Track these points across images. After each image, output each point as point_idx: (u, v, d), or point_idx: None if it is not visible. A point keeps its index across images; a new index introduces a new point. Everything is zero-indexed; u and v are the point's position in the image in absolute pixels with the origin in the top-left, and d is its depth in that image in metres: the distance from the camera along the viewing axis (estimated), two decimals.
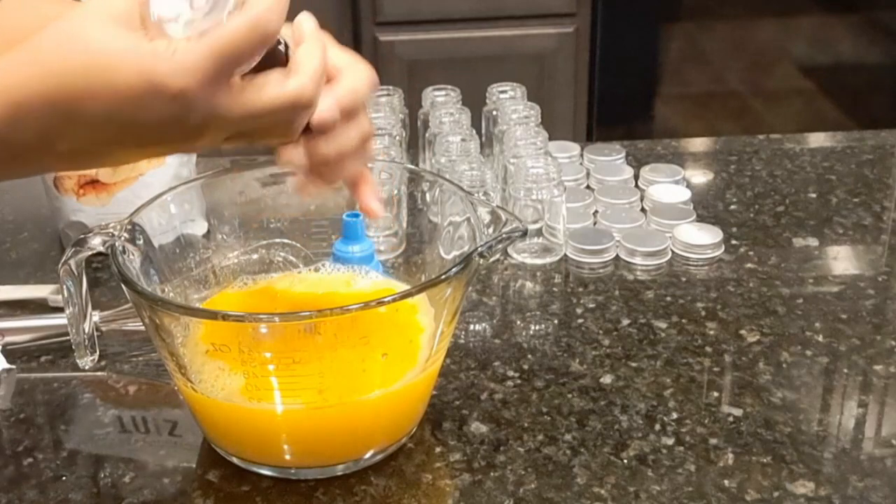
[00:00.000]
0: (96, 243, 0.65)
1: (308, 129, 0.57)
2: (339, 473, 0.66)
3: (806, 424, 0.71)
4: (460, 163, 0.93)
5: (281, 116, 0.54)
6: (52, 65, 0.50)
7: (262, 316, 0.63)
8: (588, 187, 1.02)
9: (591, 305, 0.85)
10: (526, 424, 0.71)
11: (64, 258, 0.66)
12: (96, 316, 0.77)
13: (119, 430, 0.71)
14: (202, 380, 0.64)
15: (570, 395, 0.73)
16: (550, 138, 1.01)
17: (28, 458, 0.69)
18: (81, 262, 0.66)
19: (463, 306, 0.70)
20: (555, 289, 0.88)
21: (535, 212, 0.91)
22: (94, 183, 0.90)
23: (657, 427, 0.70)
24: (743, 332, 0.81)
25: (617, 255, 0.91)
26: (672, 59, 2.20)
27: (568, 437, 0.69)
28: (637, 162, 1.06)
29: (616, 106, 2.15)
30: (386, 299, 0.60)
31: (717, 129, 2.18)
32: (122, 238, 0.65)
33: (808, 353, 0.78)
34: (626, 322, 0.82)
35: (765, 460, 0.67)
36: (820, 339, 0.80)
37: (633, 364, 0.77)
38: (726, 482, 0.65)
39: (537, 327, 0.82)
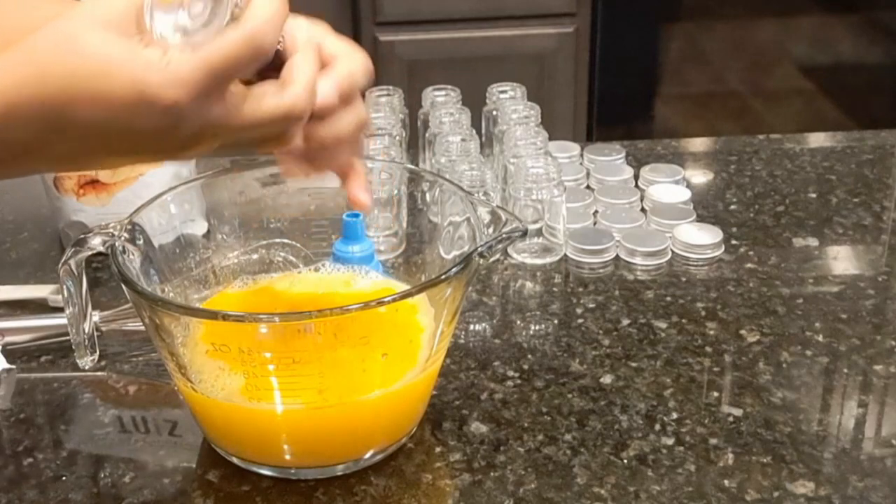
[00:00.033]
0: (96, 243, 0.65)
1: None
2: (339, 473, 0.66)
3: (806, 424, 0.71)
4: (460, 163, 0.93)
5: (274, 127, 0.54)
6: (47, 67, 0.50)
7: (262, 316, 0.63)
8: (588, 187, 1.02)
9: (591, 305, 0.85)
10: (526, 424, 0.71)
11: (64, 258, 0.66)
12: (96, 316, 0.77)
13: (119, 430, 0.72)
14: (202, 380, 0.64)
15: (570, 395, 0.73)
16: (550, 138, 1.01)
17: (28, 458, 0.69)
18: (81, 262, 0.66)
19: (463, 306, 0.70)
20: (555, 289, 0.88)
21: (535, 212, 0.91)
22: (94, 183, 0.90)
23: (657, 427, 0.70)
24: (743, 332, 0.81)
25: (617, 255, 0.91)
26: (672, 59, 2.20)
27: (568, 437, 0.69)
28: (637, 162, 1.06)
29: (616, 106, 2.15)
30: (386, 299, 0.60)
31: (717, 129, 2.18)
32: (122, 238, 0.65)
33: (808, 353, 0.78)
34: (626, 322, 0.82)
35: (765, 460, 0.67)
36: (820, 339, 0.80)
37: (633, 364, 0.77)
38: (726, 482, 0.65)
39: (537, 327, 0.82)
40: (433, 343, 0.66)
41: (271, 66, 0.55)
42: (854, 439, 0.70)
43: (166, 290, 0.69)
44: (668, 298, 0.85)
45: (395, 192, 0.84)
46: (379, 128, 0.98)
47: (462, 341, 0.80)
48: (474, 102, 1.05)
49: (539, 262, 0.91)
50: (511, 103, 1.03)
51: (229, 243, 0.75)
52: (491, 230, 0.65)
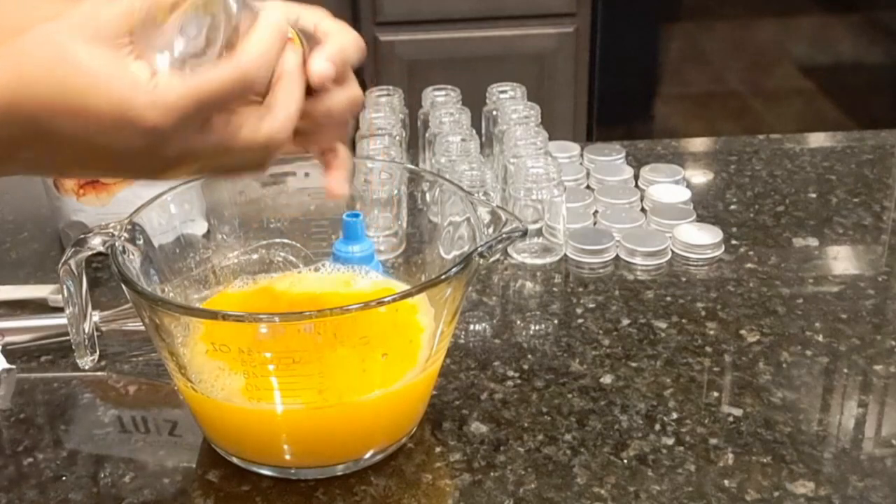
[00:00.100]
0: (96, 243, 0.65)
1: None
2: (339, 473, 0.66)
3: (806, 424, 0.71)
4: (460, 163, 0.93)
5: (253, 155, 0.54)
6: (31, 75, 0.49)
7: (262, 316, 0.63)
8: (588, 187, 1.02)
9: (591, 305, 0.85)
10: (526, 424, 0.71)
11: (64, 258, 0.66)
12: (96, 316, 0.77)
13: (119, 430, 0.72)
14: (202, 380, 0.64)
15: (570, 395, 0.73)
16: (550, 138, 1.01)
17: (28, 458, 0.69)
18: (81, 262, 0.66)
19: (463, 306, 0.70)
20: (555, 289, 0.88)
21: (535, 212, 0.91)
22: (94, 183, 0.89)
23: (657, 427, 0.70)
24: (743, 332, 0.81)
25: (617, 255, 0.91)
26: (672, 59, 2.20)
27: (568, 437, 0.69)
28: (637, 162, 1.06)
29: (616, 106, 2.16)
30: (386, 299, 0.60)
31: (717, 129, 2.18)
32: (122, 238, 0.65)
33: (808, 353, 0.78)
34: (626, 322, 0.82)
35: (765, 460, 0.67)
36: (820, 339, 0.80)
37: (633, 364, 0.77)
38: (726, 482, 0.65)
39: (537, 327, 0.82)
40: (433, 343, 0.66)
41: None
42: (854, 439, 0.70)
43: (166, 290, 0.69)
44: (668, 298, 0.85)
45: (395, 192, 0.84)
46: (379, 128, 0.98)
47: (462, 341, 0.80)
48: (474, 102, 1.05)
49: (539, 262, 0.91)
50: (511, 103, 1.03)
51: (229, 243, 0.75)
52: (491, 230, 0.65)
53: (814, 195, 1.02)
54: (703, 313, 0.83)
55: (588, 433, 0.70)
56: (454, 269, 0.62)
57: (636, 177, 1.03)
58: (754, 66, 2.23)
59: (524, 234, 0.66)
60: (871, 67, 2.26)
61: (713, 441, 0.69)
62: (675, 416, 0.71)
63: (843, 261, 0.92)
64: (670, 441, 0.69)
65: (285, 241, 0.76)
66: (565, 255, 0.91)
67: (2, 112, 0.49)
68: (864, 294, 0.86)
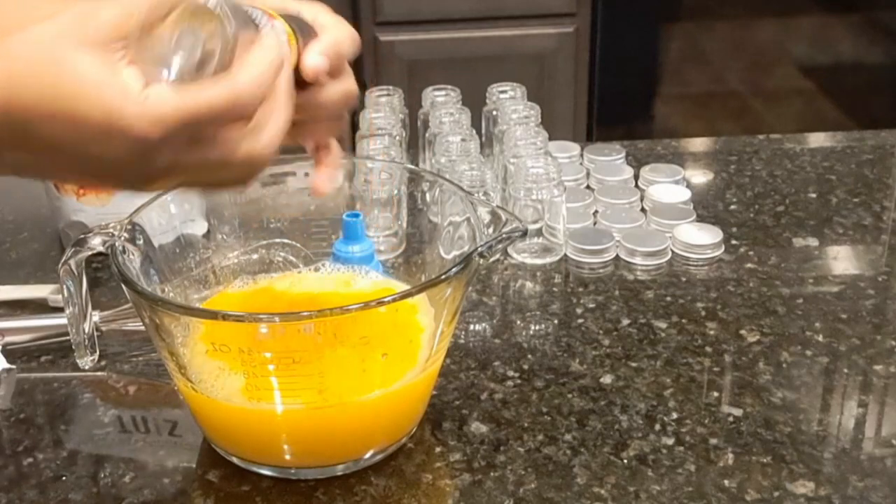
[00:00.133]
0: (96, 243, 0.65)
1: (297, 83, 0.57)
2: (339, 473, 0.66)
3: (806, 424, 0.71)
4: (460, 163, 0.93)
5: (238, 172, 0.54)
6: (20, 76, 0.48)
7: (262, 316, 0.63)
8: (588, 187, 1.02)
9: (591, 305, 0.85)
10: (526, 424, 0.71)
11: (64, 258, 0.66)
12: (96, 316, 0.77)
13: (119, 430, 0.72)
14: (202, 380, 0.64)
15: (570, 395, 0.73)
16: (550, 138, 1.01)
17: (28, 458, 0.69)
18: (81, 262, 0.66)
19: (463, 306, 0.70)
20: (555, 289, 0.88)
21: (535, 212, 0.91)
22: None
23: (657, 427, 0.70)
24: (743, 332, 0.81)
25: (617, 255, 0.91)
26: (672, 59, 2.20)
27: (568, 437, 0.69)
28: (637, 162, 1.06)
29: (616, 106, 2.16)
30: (386, 299, 0.60)
31: (717, 129, 2.18)
32: (122, 238, 0.65)
33: (808, 353, 0.78)
34: (626, 322, 0.82)
35: (765, 460, 0.67)
36: (820, 339, 0.80)
37: (633, 364, 0.77)
38: (726, 482, 0.65)
39: (537, 327, 0.82)
40: (433, 343, 0.66)
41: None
42: (854, 439, 0.70)
43: (166, 290, 0.69)
44: (668, 298, 0.85)
45: (395, 192, 0.84)
46: (379, 128, 0.98)
47: (462, 341, 0.80)
48: (474, 102, 1.05)
49: (539, 262, 0.91)
50: (511, 103, 1.03)
51: (229, 243, 0.75)
52: (491, 230, 0.65)
53: (814, 195, 1.02)
54: (703, 313, 0.83)
55: (588, 433, 0.70)
56: (454, 269, 0.62)
57: (636, 177, 1.03)
58: (754, 66, 2.23)
59: (524, 234, 0.66)
60: (871, 67, 2.26)
61: (713, 441, 0.69)
62: (675, 416, 0.71)
63: (843, 261, 0.92)
64: (670, 441, 0.69)
65: (285, 241, 0.76)
66: (565, 255, 0.91)
67: None
68: (864, 294, 0.86)
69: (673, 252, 0.92)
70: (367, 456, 0.67)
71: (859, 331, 0.81)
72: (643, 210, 0.98)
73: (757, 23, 2.17)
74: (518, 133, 0.97)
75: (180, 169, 0.52)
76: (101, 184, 0.56)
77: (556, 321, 0.83)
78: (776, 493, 0.64)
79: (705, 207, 0.99)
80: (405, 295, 0.61)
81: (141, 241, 0.67)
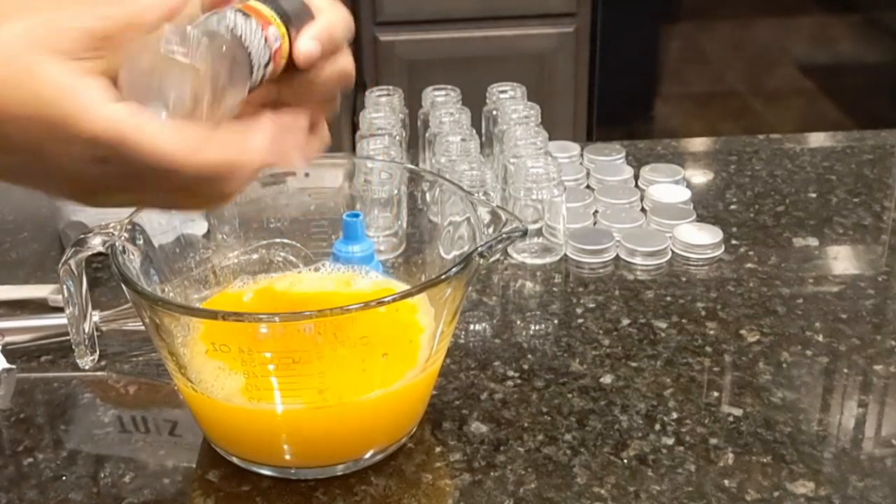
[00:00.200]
0: (96, 243, 0.65)
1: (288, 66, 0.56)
2: (339, 473, 0.66)
3: (806, 424, 0.71)
4: (460, 163, 0.93)
5: (197, 201, 0.53)
6: None
7: (262, 316, 0.63)
8: (588, 187, 1.02)
9: (591, 305, 0.85)
10: (526, 424, 0.71)
11: (64, 258, 0.66)
12: (96, 316, 0.77)
13: (119, 430, 0.72)
14: (202, 380, 0.64)
15: (570, 395, 0.73)
16: (550, 138, 1.01)
17: (28, 458, 0.69)
18: (81, 262, 0.66)
19: (463, 306, 0.70)
20: (555, 289, 0.88)
21: (535, 212, 0.91)
22: None
23: (657, 427, 0.70)
24: (743, 332, 0.81)
25: (617, 255, 0.91)
26: (672, 59, 2.20)
27: (568, 437, 0.69)
28: (637, 162, 1.06)
29: (616, 106, 2.16)
30: (386, 299, 0.60)
31: (717, 129, 2.18)
32: (122, 238, 0.65)
33: (808, 353, 0.78)
34: (626, 322, 0.82)
35: (765, 460, 0.67)
36: (820, 339, 0.80)
37: (633, 364, 0.77)
38: (726, 482, 0.65)
39: (537, 327, 0.82)
40: (433, 343, 0.66)
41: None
42: (854, 439, 0.70)
43: (166, 290, 0.69)
44: (668, 298, 0.85)
45: (395, 192, 0.84)
46: (379, 128, 0.98)
47: (462, 341, 0.80)
48: (474, 102, 1.05)
49: (539, 262, 0.91)
50: (511, 103, 1.03)
51: (229, 243, 0.75)
52: (491, 230, 0.65)
53: (814, 195, 1.02)
54: (703, 313, 0.83)
55: (588, 433, 0.70)
56: (454, 269, 0.62)
57: (636, 177, 1.03)
58: (754, 66, 2.23)
59: (524, 234, 0.66)
60: (871, 67, 2.26)
61: (713, 441, 0.69)
62: (675, 416, 0.71)
63: (843, 261, 0.92)
64: (670, 441, 0.69)
65: (285, 241, 0.76)
66: (565, 255, 0.91)
67: None
68: (864, 294, 0.86)
69: (673, 252, 0.92)
70: (367, 456, 0.67)
71: (859, 331, 0.81)
72: (643, 210, 0.98)
73: (757, 23, 2.17)
74: (518, 133, 0.97)
75: (134, 187, 0.51)
76: (58, 194, 0.55)
77: (556, 321, 0.83)
78: (776, 493, 0.64)
79: (705, 207, 0.99)
80: (405, 295, 0.61)
81: (141, 241, 0.67)
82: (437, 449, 0.69)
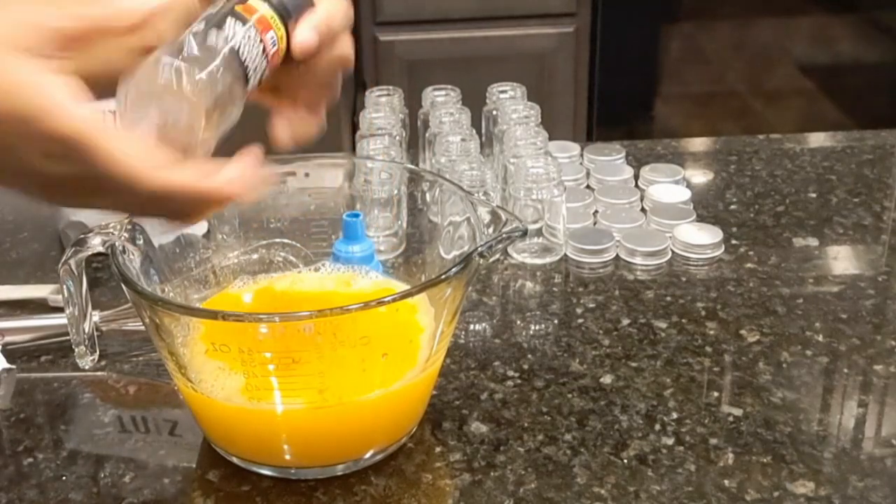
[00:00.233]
0: (96, 243, 0.65)
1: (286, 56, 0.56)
2: (339, 473, 0.66)
3: (806, 424, 0.71)
4: (460, 163, 0.93)
5: (169, 208, 0.53)
6: None
7: (262, 316, 0.63)
8: (588, 187, 1.02)
9: (591, 305, 0.85)
10: (526, 424, 0.71)
11: (64, 258, 0.66)
12: (96, 316, 0.77)
13: (119, 430, 0.72)
14: (202, 380, 0.64)
15: (570, 395, 0.73)
16: (550, 138, 1.01)
17: (28, 458, 0.69)
18: (81, 262, 0.66)
19: (463, 306, 0.70)
20: (555, 289, 0.88)
21: (535, 212, 0.91)
22: None
23: (657, 427, 0.70)
24: (743, 332, 0.81)
25: (617, 255, 0.91)
26: (672, 59, 2.20)
27: (568, 437, 0.69)
28: (637, 162, 1.06)
29: (616, 106, 2.16)
30: (386, 299, 0.60)
31: (717, 129, 2.18)
32: (122, 238, 0.65)
33: (808, 353, 0.78)
34: (626, 322, 0.82)
35: (765, 460, 0.67)
36: (820, 339, 0.80)
37: (633, 364, 0.77)
38: (726, 482, 0.65)
39: (537, 327, 0.82)
40: (433, 343, 0.66)
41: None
42: (854, 439, 0.70)
43: (166, 290, 0.69)
44: (668, 298, 0.85)
45: (395, 192, 0.84)
46: (379, 128, 0.98)
47: (462, 341, 0.80)
48: (474, 102, 1.05)
49: (539, 262, 0.91)
50: (511, 103, 1.03)
51: (229, 243, 0.75)
52: (491, 230, 0.65)
53: (814, 195, 1.02)
54: (703, 313, 0.83)
55: (588, 433, 0.70)
56: (454, 269, 0.62)
57: (636, 177, 1.03)
58: (754, 66, 2.23)
59: (524, 234, 0.66)
60: (871, 67, 2.26)
61: (713, 441, 0.69)
62: (675, 416, 0.71)
63: (843, 261, 0.92)
64: (670, 441, 0.69)
65: (285, 241, 0.76)
66: (565, 255, 0.91)
67: None
68: (864, 294, 0.86)
69: (673, 252, 0.92)
70: (367, 456, 0.67)
71: (859, 331, 0.81)
72: (643, 210, 0.98)
73: (757, 23, 2.18)
74: (518, 133, 0.97)
75: (93, 192, 0.50)
76: (28, 193, 0.54)
77: (556, 321, 0.83)
78: (776, 493, 0.64)
79: (705, 207, 0.99)
80: (405, 295, 0.61)
81: (141, 241, 0.67)
82: (437, 449, 0.69)
